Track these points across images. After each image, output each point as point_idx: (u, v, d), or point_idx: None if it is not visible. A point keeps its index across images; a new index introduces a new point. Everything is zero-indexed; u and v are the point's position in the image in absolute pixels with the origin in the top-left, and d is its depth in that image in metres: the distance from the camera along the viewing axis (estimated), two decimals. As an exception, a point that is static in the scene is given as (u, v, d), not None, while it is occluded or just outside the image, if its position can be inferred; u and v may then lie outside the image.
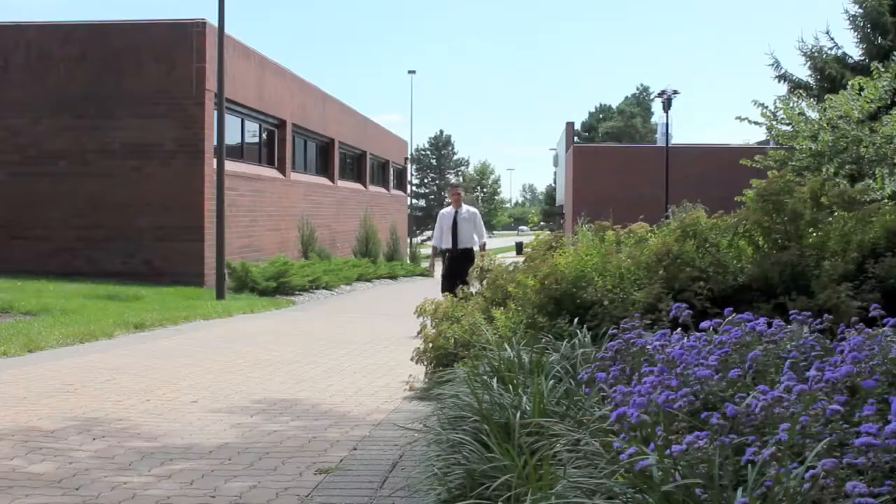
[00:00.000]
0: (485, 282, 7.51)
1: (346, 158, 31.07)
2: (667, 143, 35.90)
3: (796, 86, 21.64)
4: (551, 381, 3.97)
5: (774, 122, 13.25)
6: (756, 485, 2.27)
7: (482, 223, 12.01)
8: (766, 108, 13.25)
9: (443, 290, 10.73)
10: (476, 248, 11.63)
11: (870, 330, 3.43)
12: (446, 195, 12.56)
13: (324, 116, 26.86)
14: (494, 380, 4.16)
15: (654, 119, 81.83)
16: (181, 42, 17.60)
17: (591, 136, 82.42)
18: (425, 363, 6.90)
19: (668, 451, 2.43)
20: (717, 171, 38.98)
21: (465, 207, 11.87)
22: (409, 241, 41.49)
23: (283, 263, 17.96)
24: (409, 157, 46.99)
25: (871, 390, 2.84)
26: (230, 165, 17.80)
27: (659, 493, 2.34)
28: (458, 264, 11.19)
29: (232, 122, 19.26)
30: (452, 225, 11.68)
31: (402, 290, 21.44)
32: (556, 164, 67.93)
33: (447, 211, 11.99)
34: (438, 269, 12.79)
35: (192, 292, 15.87)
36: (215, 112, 16.65)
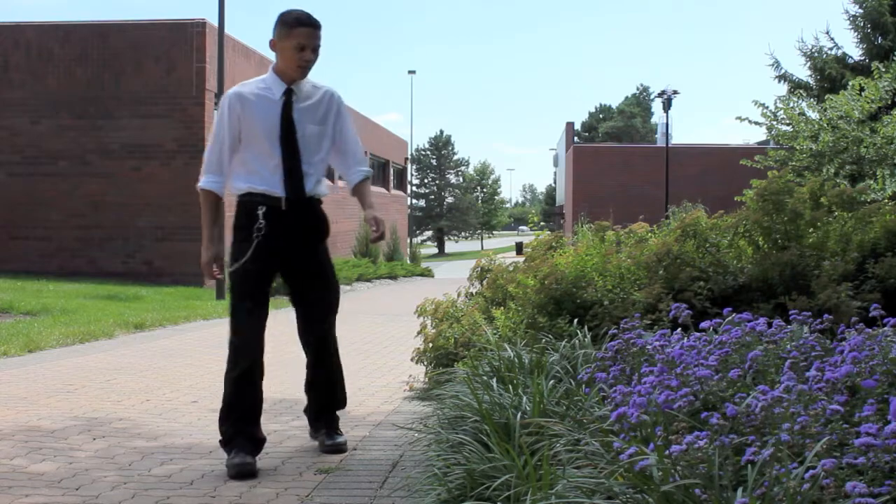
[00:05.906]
0: (485, 282, 7.51)
1: (346, 158, 31.04)
2: (667, 143, 35.93)
3: (796, 86, 21.66)
4: (551, 382, 3.97)
5: (774, 122, 13.28)
6: (756, 485, 2.27)
7: (355, 132, 4.61)
8: (767, 108, 13.29)
9: (234, 314, 4.44)
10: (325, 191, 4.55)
11: (870, 330, 3.43)
12: (273, 46, 4.21)
13: (324, 116, 26.84)
14: (494, 380, 4.16)
15: (654, 119, 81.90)
16: (181, 42, 17.60)
17: (591, 136, 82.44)
18: (425, 363, 6.89)
19: (668, 451, 2.43)
20: (717, 171, 39.06)
21: (309, 82, 4.45)
22: (409, 241, 41.49)
23: (283, 263, 17.94)
24: (409, 157, 46.98)
25: (871, 390, 2.84)
26: (230, 165, 17.78)
27: (659, 493, 2.34)
28: (289, 240, 4.44)
29: (232, 122, 19.25)
30: (282, 126, 4.38)
31: (402, 289, 21.43)
32: (556, 164, 67.96)
33: (261, 90, 4.44)
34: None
35: (192, 292, 15.86)
36: (215, 112, 16.64)
